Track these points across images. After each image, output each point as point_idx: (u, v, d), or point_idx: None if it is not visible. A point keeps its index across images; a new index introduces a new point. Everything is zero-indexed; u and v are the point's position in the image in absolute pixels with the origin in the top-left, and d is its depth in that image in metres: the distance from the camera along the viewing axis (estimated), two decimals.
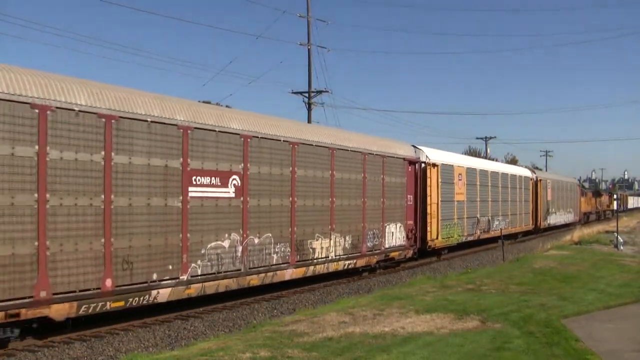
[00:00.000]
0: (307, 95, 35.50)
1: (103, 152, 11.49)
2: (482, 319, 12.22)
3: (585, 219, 57.25)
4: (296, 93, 36.02)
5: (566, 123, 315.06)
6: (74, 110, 11.02)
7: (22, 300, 10.22)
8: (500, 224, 33.72)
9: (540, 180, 41.72)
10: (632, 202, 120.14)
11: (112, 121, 11.67)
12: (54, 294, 10.68)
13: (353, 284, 19.16)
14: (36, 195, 10.40)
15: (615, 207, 52.26)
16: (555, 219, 45.48)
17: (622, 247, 30.37)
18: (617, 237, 31.52)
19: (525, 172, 40.37)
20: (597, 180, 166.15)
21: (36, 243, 10.38)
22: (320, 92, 35.58)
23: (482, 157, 61.16)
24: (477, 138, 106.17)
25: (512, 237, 37.20)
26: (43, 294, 10.49)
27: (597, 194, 67.60)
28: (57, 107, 10.73)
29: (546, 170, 71.99)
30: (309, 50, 35.14)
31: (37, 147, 10.43)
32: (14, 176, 10.11)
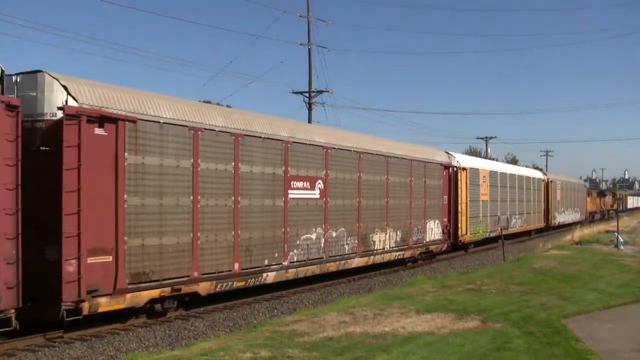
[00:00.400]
0: (307, 95, 35.55)
1: (233, 163, 14.51)
2: (483, 319, 12.30)
3: (590, 218, 60.48)
4: (297, 93, 35.94)
5: (566, 123, 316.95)
6: (214, 130, 14.03)
7: (182, 278, 13.22)
8: (517, 222, 36.81)
9: (551, 181, 44.81)
10: (632, 202, 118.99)
11: (239, 138, 14.69)
12: (202, 274, 13.69)
13: (353, 283, 19.36)
14: (191, 197, 13.41)
15: (628, 205, 54.89)
16: (564, 217, 48.62)
17: (622, 247, 30.51)
18: (617, 237, 31.66)
19: (538, 174, 43.44)
20: (597, 180, 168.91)
21: (191, 235, 13.39)
22: (320, 92, 35.52)
23: (483, 157, 62.70)
24: (478, 138, 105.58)
25: (526, 234, 40.27)
26: (195, 274, 13.50)
27: (602, 194, 71.00)
28: (204, 129, 13.74)
29: (547, 170, 74.48)
30: (309, 50, 35.10)
31: (192, 160, 13.43)
32: (178, 182, 13.12)
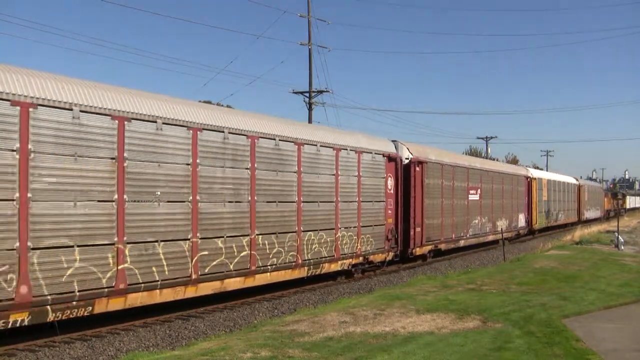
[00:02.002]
0: (308, 95, 36.44)
1: (452, 181, 27.38)
2: (483, 319, 12.32)
3: (607, 215, 74.00)
4: (297, 93, 36.72)
5: (566, 123, 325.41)
6: (446, 164, 26.92)
7: (437, 240, 26.07)
8: (562, 217, 49.88)
9: (581, 185, 57.96)
10: (629, 202, 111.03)
11: (453, 168, 27.56)
12: (443, 239, 26.57)
13: (354, 283, 19.56)
14: (441, 199, 26.26)
15: (627, 205, 67.66)
16: (589, 214, 61.87)
17: (622, 247, 31.28)
18: (617, 237, 32.48)
19: (573, 181, 56.52)
20: (597, 180, 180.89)
21: (440, 219, 26.26)
22: (321, 92, 36.47)
23: (483, 157, 64.90)
24: (478, 138, 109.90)
25: (563, 226, 53.28)
26: (441, 239, 26.36)
27: (615, 195, 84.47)
28: (444, 164, 26.60)
29: (547, 170, 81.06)
30: (309, 50, 35.90)
31: (441, 180, 26.28)
32: (438, 192, 25.96)
